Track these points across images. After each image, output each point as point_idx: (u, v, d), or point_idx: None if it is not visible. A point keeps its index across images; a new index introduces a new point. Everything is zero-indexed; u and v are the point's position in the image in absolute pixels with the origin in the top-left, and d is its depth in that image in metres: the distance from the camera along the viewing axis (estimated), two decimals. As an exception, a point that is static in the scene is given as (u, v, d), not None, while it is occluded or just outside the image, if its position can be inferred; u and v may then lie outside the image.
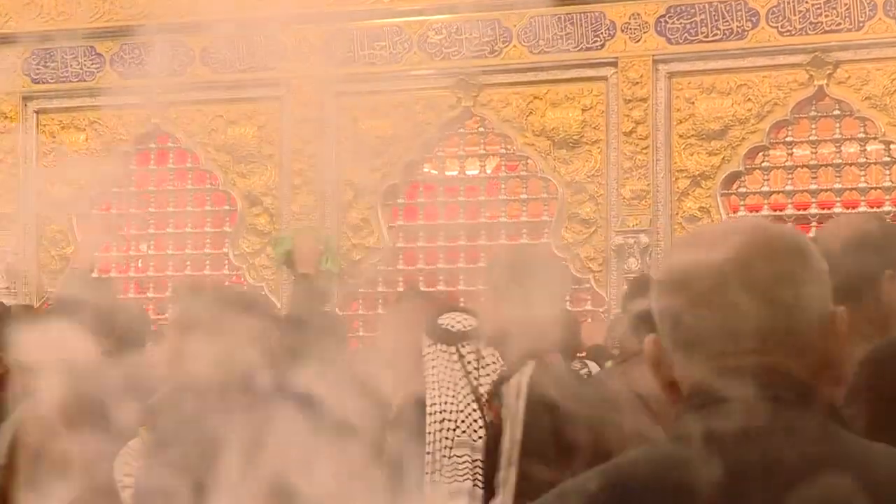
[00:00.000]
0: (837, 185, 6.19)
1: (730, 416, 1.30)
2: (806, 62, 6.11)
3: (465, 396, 3.25)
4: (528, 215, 6.52)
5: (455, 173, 6.63)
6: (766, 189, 6.29)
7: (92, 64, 6.99)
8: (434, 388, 3.24)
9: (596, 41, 6.33)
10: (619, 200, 6.28)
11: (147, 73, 6.71)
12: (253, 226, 6.76)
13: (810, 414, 1.32)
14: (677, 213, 6.26)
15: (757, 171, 6.28)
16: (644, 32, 6.29)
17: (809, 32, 6.10)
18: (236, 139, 6.77)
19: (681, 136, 6.26)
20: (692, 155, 6.24)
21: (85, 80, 7.00)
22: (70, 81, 7.00)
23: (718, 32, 6.19)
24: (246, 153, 6.74)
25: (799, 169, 6.24)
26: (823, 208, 6.16)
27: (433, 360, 3.27)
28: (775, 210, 6.25)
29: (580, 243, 6.37)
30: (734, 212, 6.25)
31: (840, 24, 6.08)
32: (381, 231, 6.61)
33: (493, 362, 3.29)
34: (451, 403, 3.23)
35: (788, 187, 6.26)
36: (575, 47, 6.31)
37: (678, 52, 6.25)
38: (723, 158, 6.22)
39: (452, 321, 3.32)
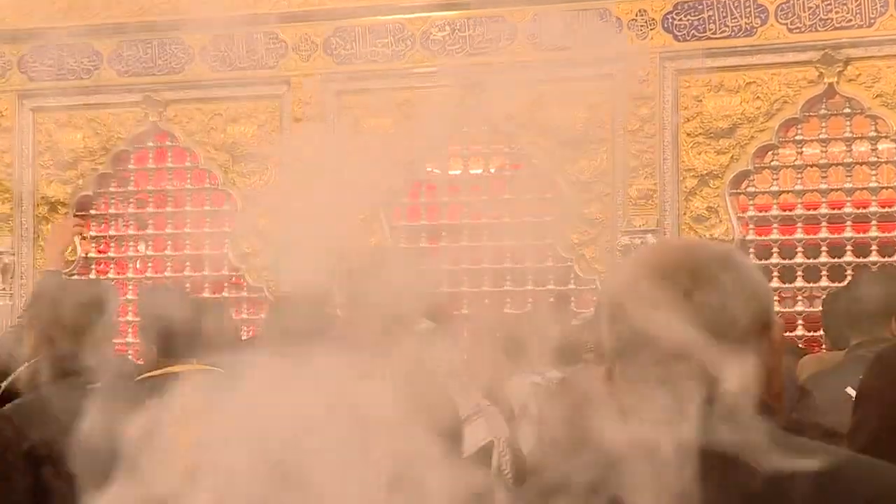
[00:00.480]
0: (848, 185, 6.09)
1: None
2: (816, 59, 6.01)
3: None
4: (532, 215, 6.38)
5: (458, 172, 6.56)
6: (775, 188, 6.19)
7: (89, 62, 6.93)
8: None
9: (602, 38, 6.20)
10: (625, 200, 6.18)
11: (145, 71, 6.70)
12: (253, 226, 6.67)
13: (749, 420, 1.33)
14: (685, 213, 6.17)
15: (766, 170, 6.17)
16: (651, 29, 6.20)
17: (819, 29, 6.01)
18: (236, 138, 6.72)
19: (688, 134, 6.16)
20: (700, 154, 6.15)
21: (82, 78, 6.93)
22: (67, 79, 6.93)
23: (727, 29, 6.11)
24: (246, 152, 6.68)
25: (809, 168, 6.14)
26: (834, 208, 6.08)
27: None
28: (785, 210, 6.15)
29: (586, 244, 6.29)
30: (743, 211, 6.17)
31: (851, 20, 5.99)
32: (383, 232, 6.53)
33: None
34: None
35: (798, 187, 6.16)
36: (580, 44, 6.20)
37: (685, 49, 6.15)
38: (731, 157, 6.12)
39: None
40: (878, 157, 6.06)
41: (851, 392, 3.45)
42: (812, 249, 5.99)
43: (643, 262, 1.46)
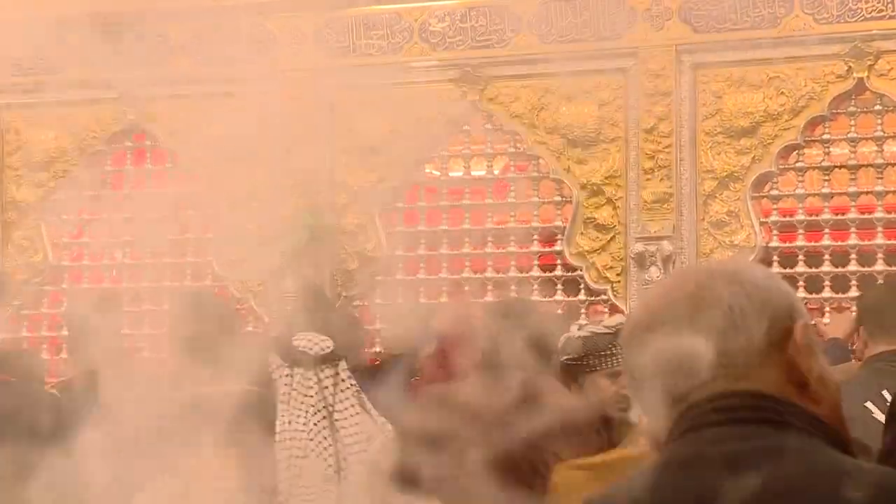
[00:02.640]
0: (879, 188, 5.84)
1: (706, 442, 1.36)
2: (844, 52, 5.78)
3: (318, 423, 3.19)
4: (539, 220, 6.24)
5: (460, 174, 6.40)
6: (800, 191, 5.95)
7: (62, 55, 6.52)
8: (284, 413, 3.18)
9: (614, 30, 6.03)
10: (639, 204, 5.98)
11: (123, 65, 6.29)
12: (239, 231, 6.32)
13: (779, 433, 1.36)
14: (703, 218, 5.95)
15: (790, 171, 5.95)
16: (667, 20, 5.99)
17: (848, 20, 5.79)
18: (222, 136, 6.31)
19: (707, 133, 5.95)
20: (719, 154, 5.93)
21: (54, 73, 6.64)
22: (37, 74, 6.66)
23: (748, 20, 5.89)
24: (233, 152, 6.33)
25: (837, 169, 5.91)
26: (863, 212, 5.85)
27: (286, 383, 3.22)
28: (811, 214, 5.91)
29: (597, 251, 6.08)
30: (766, 216, 5.94)
31: (882, 10, 5.76)
32: (378, 238, 6.35)
33: (350, 386, 3.28)
34: (303, 430, 3.18)
35: (825, 189, 5.90)
36: (591, 36, 6.04)
37: (704, 41, 5.94)
38: (753, 158, 5.90)
39: (309, 343, 3.27)
40: (911, 158, 5.86)
41: (871, 407, 3.44)
42: (840, 257, 5.82)
43: (652, 296, 1.50)
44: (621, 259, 6.02)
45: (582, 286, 6.10)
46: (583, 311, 6.09)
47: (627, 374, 1.47)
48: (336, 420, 3.22)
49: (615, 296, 6.01)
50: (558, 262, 6.14)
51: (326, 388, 3.25)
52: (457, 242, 6.28)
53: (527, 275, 6.18)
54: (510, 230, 6.24)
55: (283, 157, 6.28)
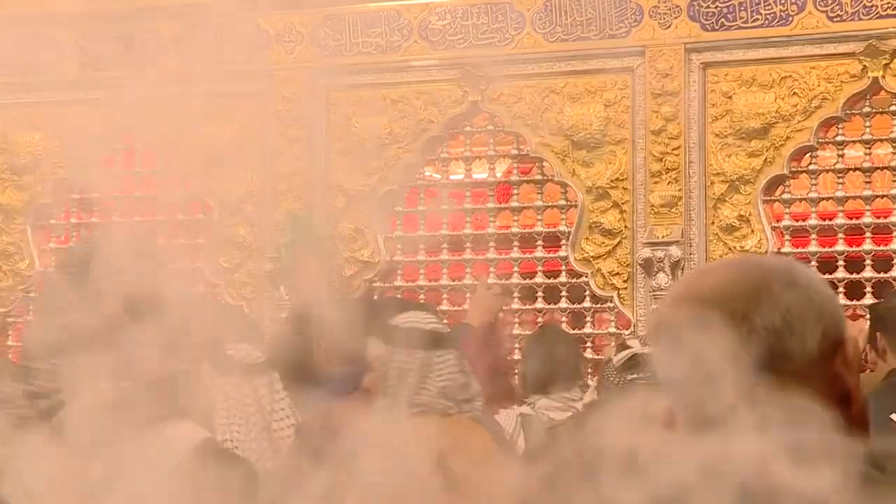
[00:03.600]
0: (895, 191, 5.78)
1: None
2: (859, 51, 5.71)
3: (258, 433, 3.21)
4: (543, 225, 6.17)
5: (461, 177, 6.36)
6: (813, 195, 5.87)
7: (51, 54, 6.62)
8: (224, 424, 3.18)
9: (620, 27, 5.96)
10: (646, 208, 5.92)
11: (111, 65, 6.33)
12: (231, 237, 6.43)
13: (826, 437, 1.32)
14: (713, 223, 5.88)
15: (803, 174, 5.88)
16: (675, 17, 5.92)
17: (863, 17, 5.73)
18: (211, 139, 6.37)
19: (717, 134, 5.89)
20: (729, 156, 5.87)
21: (42, 72, 6.61)
22: (24, 73, 6.58)
23: (759, 17, 5.83)
24: (222, 155, 6.40)
25: (851, 172, 5.87)
26: (879, 217, 5.79)
27: (222, 391, 3.21)
28: (824, 219, 5.84)
29: (602, 256, 6.02)
30: (777, 220, 5.86)
31: None
32: (376, 243, 6.28)
33: (285, 396, 3.29)
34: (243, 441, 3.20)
35: (839, 193, 5.84)
36: (596, 34, 5.98)
37: (714, 39, 5.89)
38: (764, 160, 5.83)
39: (241, 352, 3.28)
40: (928, 160, 5.81)
41: None
42: (855, 263, 5.75)
43: (692, 288, 1.45)
44: (628, 265, 5.96)
45: (587, 293, 6.05)
46: (588, 319, 6.04)
47: (660, 356, 1.42)
48: (274, 430, 3.23)
49: (622, 303, 5.94)
50: (563, 268, 6.09)
51: (263, 397, 3.25)
52: (458, 248, 6.25)
53: (530, 281, 6.13)
54: (513, 235, 6.20)
55: (276, 159, 6.33)
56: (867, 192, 5.80)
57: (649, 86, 5.91)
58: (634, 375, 3.41)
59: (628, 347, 3.48)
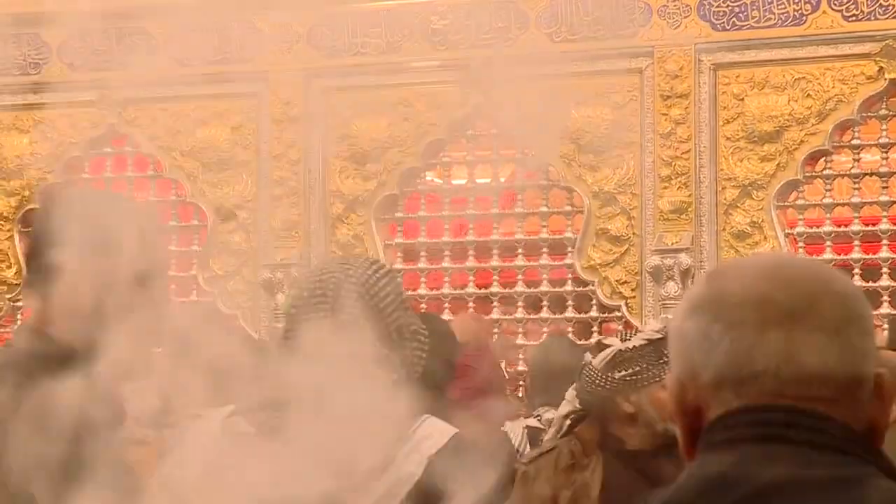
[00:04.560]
0: None
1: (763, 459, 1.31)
2: (875, 52, 5.73)
3: None
4: (548, 231, 6.18)
5: (463, 182, 6.34)
6: (828, 201, 5.88)
7: (37, 55, 6.64)
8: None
9: (628, 27, 5.95)
10: (655, 214, 5.91)
11: (101, 66, 6.32)
12: (226, 244, 6.41)
13: (852, 462, 1.30)
14: (724, 229, 5.87)
15: (818, 179, 5.92)
16: (685, 17, 5.92)
17: (879, 17, 5.73)
18: (206, 143, 6.48)
19: (728, 138, 5.89)
20: (741, 161, 5.86)
21: (29, 74, 6.61)
22: (11, 75, 6.59)
23: (772, 17, 5.83)
24: (217, 159, 6.43)
25: (867, 177, 5.88)
26: (895, 223, 5.79)
27: None
28: (839, 225, 5.85)
29: (610, 264, 5.99)
30: (791, 227, 5.85)
31: None
32: (376, 249, 6.23)
33: None
34: None
35: (855, 198, 5.87)
36: (603, 34, 5.97)
37: (725, 39, 5.90)
38: (777, 165, 5.83)
39: None
40: (947, 165, 5.88)
41: None
42: (871, 271, 5.74)
43: (720, 290, 1.38)
44: (636, 273, 5.94)
45: (594, 302, 6.05)
46: (594, 328, 6.01)
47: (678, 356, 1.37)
48: None
49: (630, 312, 5.92)
50: (569, 276, 6.09)
51: None
52: (460, 255, 6.26)
53: (535, 290, 6.12)
54: (517, 242, 6.21)
55: (272, 163, 6.33)
56: (884, 198, 5.84)
57: (658, 88, 5.94)
58: (623, 373, 3.35)
59: (607, 346, 3.38)
